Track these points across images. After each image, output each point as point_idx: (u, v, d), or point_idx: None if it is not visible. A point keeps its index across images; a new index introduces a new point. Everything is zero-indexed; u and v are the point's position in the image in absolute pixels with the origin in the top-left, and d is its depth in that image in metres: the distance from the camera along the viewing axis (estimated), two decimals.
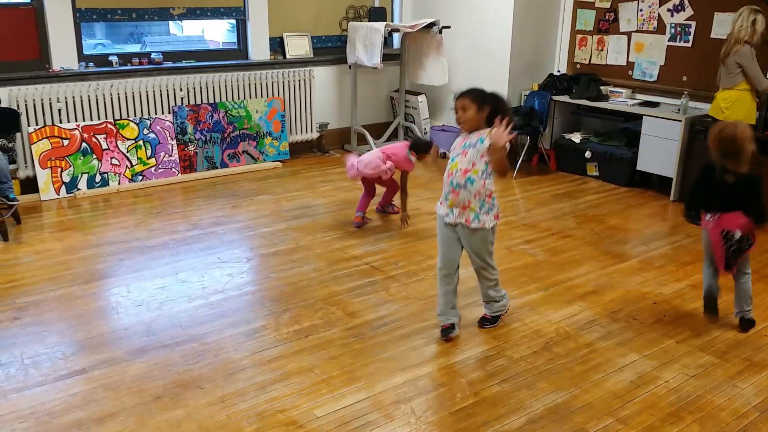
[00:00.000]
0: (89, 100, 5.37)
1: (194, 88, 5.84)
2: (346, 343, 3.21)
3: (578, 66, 6.42)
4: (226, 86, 5.99)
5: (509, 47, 6.19)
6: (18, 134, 4.89)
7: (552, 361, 3.08)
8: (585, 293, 3.76)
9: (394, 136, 7.01)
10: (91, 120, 5.40)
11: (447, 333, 3.23)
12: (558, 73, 6.38)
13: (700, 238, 4.58)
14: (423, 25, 6.20)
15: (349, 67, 6.55)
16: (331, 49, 6.70)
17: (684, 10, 5.61)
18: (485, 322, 3.38)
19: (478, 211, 3.08)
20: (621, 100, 5.86)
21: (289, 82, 6.34)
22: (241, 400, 2.75)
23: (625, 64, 6.09)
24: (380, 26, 6.08)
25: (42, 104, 5.18)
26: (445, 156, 3.37)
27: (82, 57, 5.44)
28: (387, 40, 6.65)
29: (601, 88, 6.04)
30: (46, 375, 2.91)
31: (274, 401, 2.75)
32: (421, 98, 6.84)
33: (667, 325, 3.42)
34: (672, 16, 5.70)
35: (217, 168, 5.97)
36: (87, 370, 2.94)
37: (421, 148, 4.73)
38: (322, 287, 3.79)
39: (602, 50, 6.24)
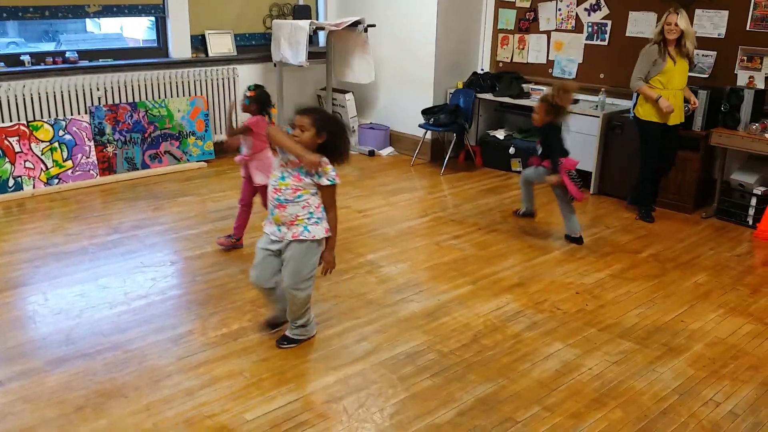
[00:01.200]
0: (0, 101, 5.11)
1: (112, 88, 5.64)
2: (275, 344, 3.17)
3: (501, 64, 6.56)
4: (146, 85, 5.80)
5: (434, 46, 6.25)
6: None
7: (480, 353, 3.13)
8: (511, 285, 3.85)
9: None
10: (3, 122, 5.14)
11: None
12: (482, 72, 6.49)
13: (619, 229, 4.80)
14: (348, 24, 6.19)
15: (275, 65, 6.47)
16: (255, 47, 6.60)
17: (600, 10, 5.81)
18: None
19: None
20: None
21: (212, 80, 6.21)
22: (167, 408, 2.67)
23: (545, 62, 6.26)
24: (305, 24, 6.03)
25: None
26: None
27: None
28: (312, 38, 6.60)
29: (523, 85, 6.18)
30: None
31: (203, 407, 2.69)
32: (349, 96, 6.83)
33: (589, 314, 3.54)
34: (589, 15, 5.89)
35: (138, 169, 5.78)
36: (3, 383, 2.80)
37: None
38: (250, 289, 3.72)
39: (523, 49, 6.39)
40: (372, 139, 6.76)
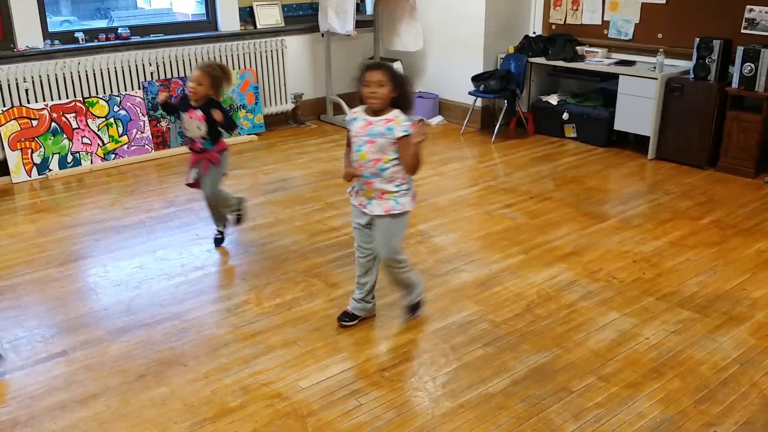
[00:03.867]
0: (56, 78, 5.24)
1: (164, 63, 5.72)
2: (328, 314, 3.20)
3: (553, 27, 6.37)
4: (196, 59, 5.86)
5: (483, 10, 6.11)
6: None
7: (534, 323, 3.10)
8: (565, 255, 3.78)
9: None
10: (60, 99, 5.28)
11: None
12: (533, 35, 6.32)
13: (678, 195, 4.65)
14: None
15: (322, 35, 6.44)
16: (302, 18, 6.57)
17: None
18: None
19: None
20: (597, 60, 5.83)
21: (261, 52, 6.23)
22: (225, 375, 2.74)
23: (600, 23, 6.05)
24: None
25: (8, 85, 5.04)
26: None
27: (47, 35, 5.29)
28: (359, 7, 6.56)
29: (577, 48, 6.00)
30: (27, 358, 2.87)
31: (259, 375, 2.74)
32: (397, 65, 6.75)
33: (647, 283, 3.45)
34: None
35: None
36: (68, 352, 2.91)
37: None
38: (302, 260, 3.77)
39: (577, 10, 6.19)
40: (421, 108, 6.68)
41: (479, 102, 6.24)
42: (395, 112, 2.78)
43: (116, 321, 3.16)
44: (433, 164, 5.40)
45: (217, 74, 3.59)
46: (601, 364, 2.78)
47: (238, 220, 4.04)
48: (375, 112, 2.78)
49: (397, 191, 2.83)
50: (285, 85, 6.46)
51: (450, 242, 3.97)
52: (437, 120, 6.65)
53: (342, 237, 4.04)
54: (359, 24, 6.16)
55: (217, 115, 3.54)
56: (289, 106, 6.57)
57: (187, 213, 4.46)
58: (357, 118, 2.84)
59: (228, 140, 6.04)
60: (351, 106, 6.60)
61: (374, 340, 2.98)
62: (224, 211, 3.94)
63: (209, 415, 2.51)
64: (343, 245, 3.93)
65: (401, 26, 6.43)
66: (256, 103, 6.22)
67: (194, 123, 3.61)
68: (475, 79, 6.07)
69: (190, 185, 3.82)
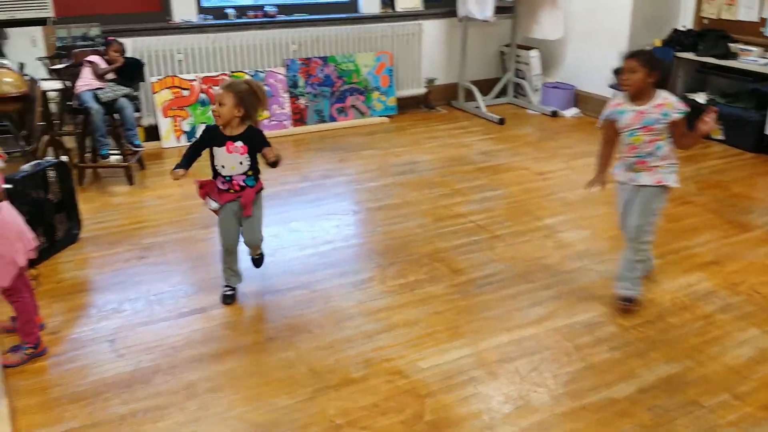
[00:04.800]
0: (207, 51, 5.55)
1: (306, 42, 5.91)
2: (450, 299, 3.23)
3: (705, 21, 5.99)
4: (336, 40, 6.02)
5: None
6: (142, 84, 5.15)
7: (666, 331, 2.97)
8: (704, 263, 3.58)
9: (503, 93, 6.86)
10: (209, 71, 5.60)
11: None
12: (683, 29, 5.98)
13: None
14: None
15: (459, 20, 6.41)
16: (441, 2, 6.57)
17: None
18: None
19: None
20: (752, 59, 5.43)
21: (398, 35, 6.29)
22: (349, 347, 2.84)
23: (757, 19, 5.62)
24: None
25: (163, 55, 5.41)
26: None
27: (200, 9, 5.61)
28: None
29: (730, 45, 5.61)
30: (170, 311, 3.11)
31: (381, 350, 2.82)
32: (534, 53, 6.62)
33: None
34: None
35: (325, 122, 6.06)
36: (207, 309, 3.12)
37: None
38: (427, 243, 3.81)
39: (732, 5, 5.78)
40: (556, 99, 6.52)
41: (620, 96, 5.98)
42: (664, 95, 2.90)
43: (251, 284, 3.34)
44: (565, 157, 5.27)
45: (242, 90, 2.91)
46: (737, 382, 2.63)
47: (259, 261, 3.41)
48: (634, 97, 2.92)
49: (668, 168, 2.97)
50: (419, 69, 6.50)
51: (579, 239, 3.87)
52: (572, 112, 6.46)
53: (468, 224, 4.05)
54: (498, 10, 6.07)
55: (269, 154, 2.98)
56: (422, 90, 6.61)
57: (320, 188, 4.62)
58: (624, 110, 2.95)
59: (361, 120, 6.22)
60: (484, 93, 6.58)
61: (495, 330, 2.98)
62: (254, 254, 3.33)
63: (332, 383, 2.61)
64: (469, 232, 3.94)
65: (542, 13, 6.28)
66: (390, 86, 6.31)
67: (234, 158, 2.97)
68: (618, 71, 5.82)
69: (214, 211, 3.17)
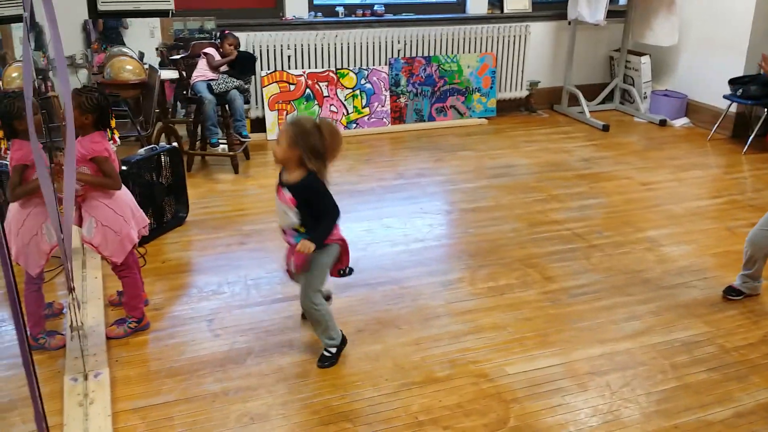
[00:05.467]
0: (315, 48, 5.70)
1: (411, 41, 5.95)
2: (541, 306, 3.18)
3: None
4: (441, 40, 6.03)
5: (754, 7, 5.52)
6: (252, 77, 5.35)
7: None
8: None
9: (609, 99, 6.65)
10: (316, 68, 5.74)
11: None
12: None
13: None
14: None
15: (569, 23, 6.27)
16: (551, 4, 6.45)
17: None
18: None
19: None
20: None
21: (503, 37, 6.22)
22: (434, 346, 2.85)
23: None
24: None
25: (274, 50, 5.60)
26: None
27: (312, 7, 5.77)
28: None
29: None
30: (265, 297, 3.22)
31: (467, 352, 2.81)
32: (645, 59, 6.38)
33: None
34: None
35: (424, 121, 6.08)
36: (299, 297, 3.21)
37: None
38: (519, 248, 3.76)
39: None
40: (665, 108, 6.26)
41: (734, 107, 5.68)
42: None
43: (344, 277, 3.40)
44: (672, 169, 5.05)
45: (303, 130, 2.44)
46: None
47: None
48: None
49: None
50: (522, 71, 6.41)
51: (682, 254, 3.70)
52: (682, 122, 6.18)
53: (563, 231, 3.96)
54: (610, 14, 5.90)
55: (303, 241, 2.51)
56: (524, 93, 6.51)
57: (415, 187, 4.65)
58: None
59: (460, 121, 6.20)
60: (589, 99, 6.40)
61: (587, 341, 2.90)
62: (317, 331, 2.78)
63: (417, 380, 2.63)
64: (564, 240, 3.85)
65: (656, 19, 6.04)
66: (491, 87, 6.25)
67: (283, 208, 2.58)
68: (733, 82, 5.53)
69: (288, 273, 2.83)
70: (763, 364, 2.75)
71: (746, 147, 5.46)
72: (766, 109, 5.55)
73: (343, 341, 2.78)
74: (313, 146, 2.44)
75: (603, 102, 6.64)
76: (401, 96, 5.98)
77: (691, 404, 2.51)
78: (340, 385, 2.60)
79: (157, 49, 5.21)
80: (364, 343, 2.86)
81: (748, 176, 5.01)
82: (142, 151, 3.84)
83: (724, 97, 5.58)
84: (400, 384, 2.61)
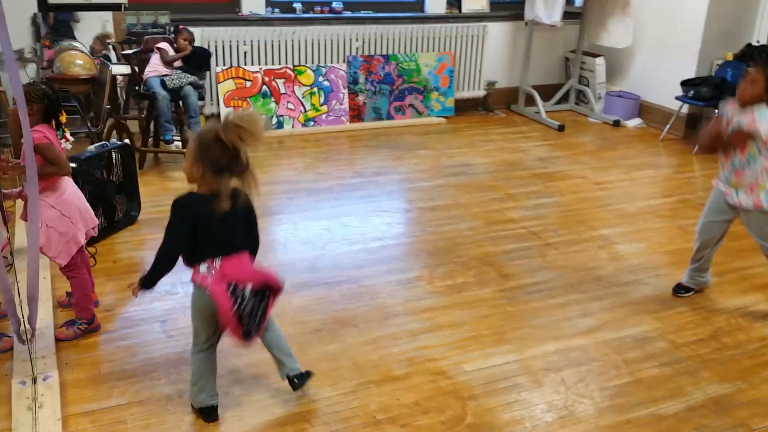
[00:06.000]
0: (272, 44, 5.64)
1: (369, 39, 5.94)
2: (498, 303, 3.20)
3: None
4: (399, 38, 6.03)
5: (706, 10, 5.67)
6: (207, 73, 5.27)
7: (719, 351, 2.88)
8: (764, 285, 3.45)
9: (564, 99, 6.75)
10: (273, 64, 5.68)
11: None
12: (757, 44, 5.77)
13: None
14: None
15: (526, 23, 6.34)
16: (508, 5, 6.51)
17: None
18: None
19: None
20: None
21: (461, 37, 6.26)
22: (393, 344, 2.84)
23: None
24: None
25: (230, 46, 5.52)
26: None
27: (269, 2, 5.71)
28: None
29: None
30: None
31: (424, 350, 2.81)
32: (599, 61, 6.49)
33: None
34: None
35: (383, 119, 6.08)
36: None
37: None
38: (476, 246, 3.79)
39: None
40: (619, 108, 6.38)
41: (685, 108, 5.83)
42: (761, 106, 2.82)
43: (300, 276, 3.38)
44: (625, 168, 5.15)
45: (199, 144, 2.14)
46: None
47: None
48: (743, 105, 2.87)
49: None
50: (480, 71, 6.46)
51: (634, 252, 3.78)
52: (635, 122, 6.31)
53: (519, 230, 4.00)
54: (566, 15, 5.98)
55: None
56: (481, 93, 6.56)
57: (373, 185, 4.64)
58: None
59: (418, 120, 6.22)
60: (545, 99, 6.48)
61: (542, 338, 2.93)
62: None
63: (375, 379, 2.62)
64: (520, 238, 3.89)
65: (611, 20, 6.16)
66: (449, 87, 6.29)
67: None
68: (686, 83, 5.68)
69: None
70: (713, 359, 2.82)
71: (697, 146, 5.60)
72: (716, 111, 5.70)
73: (294, 383, 2.44)
74: (212, 162, 2.11)
75: (559, 102, 6.73)
76: (360, 94, 5.96)
77: (644, 399, 2.56)
78: None
79: (108, 43, 5.08)
80: (322, 343, 2.84)
81: (698, 176, 5.14)
82: (92, 148, 3.74)
83: (676, 98, 5.72)
84: (358, 383, 2.59)
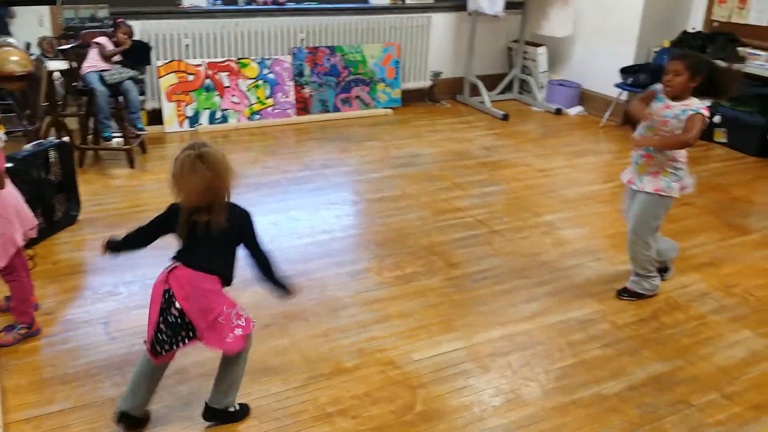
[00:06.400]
0: (215, 37, 5.55)
1: (314, 31, 5.90)
2: (446, 292, 3.24)
3: (715, 24, 5.97)
4: (344, 29, 6.01)
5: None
6: (148, 67, 5.15)
7: (659, 330, 2.98)
8: (700, 264, 3.59)
9: (508, 89, 6.85)
10: (216, 57, 5.60)
11: None
12: (692, 31, 5.96)
13: None
14: None
15: (469, 14, 6.39)
16: None
17: None
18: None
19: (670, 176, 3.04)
20: (759, 64, 5.42)
21: (406, 27, 6.28)
22: (343, 336, 2.85)
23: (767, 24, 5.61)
24: None
25: (171, 39, 5.41)
26: None
27: None
28: None
29: (739, 49, 5.60)
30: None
31: (374, 340, 2.83)
32: (541, 50, 6.60)
33: None
34: None
35: (329, 112, 6.06)
36: None
37: None
38: (425, 236, 3.82)
39: (744, 8, 5.76)
40: (561, 97, 6.51)
41: (624, 95, 5.98)
42: (692, 100, 2.91)
43: (249, 271, 3.34)
44: (567, 155, 5.27)
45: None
46: (727, 382, 2.64)
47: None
48: (673, 98, 2.93)
49: (672, 173, 3.02)
50: (425, 62, 6.49)
51: (577, 237, 3.87)
52: (576, 110, 6.45)
53: (467, 218, 4.05)
54: (508, 5, 6.05)
55: None
56: (427, 83, 6.60)
57: (321, 178, 4.62)
58: (662, 98, 2.99)
59: (365, 111, 6.21)
60: (489, 89, 6.56)
61: (489, 324, 2.99)
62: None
63: (325, 371, 2.63)
64: (467, 226, 3.94)
65: (552, 10, 6.27)
66: (395, 78, 6.30)
67: None
68: (624, 71, 5.82)
69: None
70: (653, 339, 2.92)
71: (635, 133, 5.75)
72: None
73: (205, 413, 2.37)
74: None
75: (503, 92, 6.82)
76: (305, 86, 5.93)
77: (588, 380, 2.63)
78: (245, 382, 2.53)
79: (45, 38, 4.91)
80: (272, 338, 2.83)
81: None
82: (29, 146, 3.63)
83: (615, 85, 5.86)
84: (308, 377, 2.60)
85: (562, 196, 4.46)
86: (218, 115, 5.62)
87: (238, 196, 4.16)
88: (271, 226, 3.84)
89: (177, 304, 2.16)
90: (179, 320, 2.17)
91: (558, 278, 3.40)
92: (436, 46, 6.54)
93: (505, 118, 6.16)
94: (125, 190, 4.32)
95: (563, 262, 3.56)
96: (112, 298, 3.08)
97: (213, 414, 2.35)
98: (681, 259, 3.63)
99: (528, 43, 6.69)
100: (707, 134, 5.70)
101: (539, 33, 6.50)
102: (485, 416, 2.42)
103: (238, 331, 2.23)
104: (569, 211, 4.21)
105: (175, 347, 2.20)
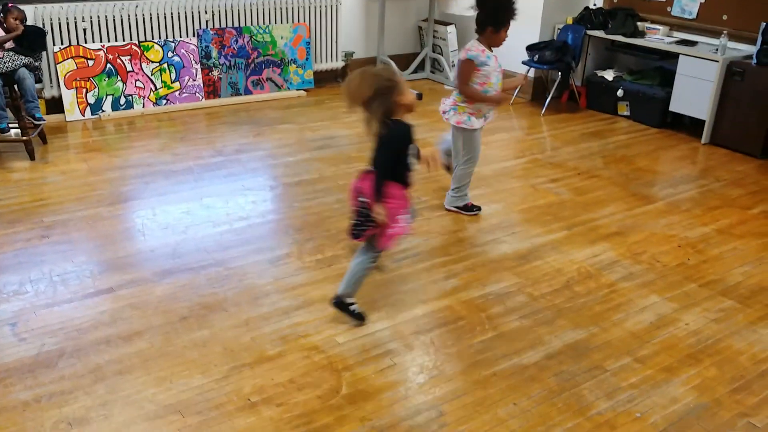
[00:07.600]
0: (114, 20, 5.30)
1: (219, 11, 5.73)
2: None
3: (616, 0, 6.19)
4: (251, 10, 5.86)
5: None
6: (44, 53, 4.86)
7: (572, 299, 3.09)
8: (609, 234, 3.74)
9: (420, 68, 6.88)
10: (116, 41, 5.35)
11: None
12: (594, 7, 6.15)
13: (729, 183, 4.54)
14: None
15: None
16: None
17: None
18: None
19: None
20: (658, 38, 5.67)
21: (315, 8, 6.19)
22: (265, 324, 2.81)
23: None
24: None
25: (67, 23, 5.12)
26: None
27: None
28: None
29: (638, 24, 5.83)
30: (75, 292, 2.98)
31: (297, 326, 2.80)
32: (450, 29, 6.66)
33: (691, 269, 3.40)
34: None
35: (240, 95, 5.91)
36: (114, 290, 3.01)
37: None
38: (344, 219, 3.78)
39: None
40: None
41: (532, 72, 6.13)
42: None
43: (162, 263, 3.24)
44: None
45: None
46: (638, 346, 2.77)
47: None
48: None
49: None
50: (337, 42, 6.43)
51: (492, 213, 3.95)
52: None
53: None
54: None
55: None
56: (339, 64, 6.54)
57: (235, 163, 4.52)
58: (490, 56, 3.75)
59: (277, 93, 6.10)
60: (402, 68, 6.57)
61: (410, 303, 3.01)
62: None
63: (248, 361, 2.58)
64: None
65: None
66: (307, 59, 6.21)
67: None
68: (530, 48, 5.96)
69: None
70: (567, 308, 3.02)
71: (544, 109, 5.93)
72: (560, 73, 6.05)
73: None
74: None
75: (415, 71, 6.85)
76: (214, 69, 5.76)
77: (507, 351, 2.70)
78: (165, 377, 2.48)
79: None
80: (191, 330, 2.76)
81: (547, 136, 5.44)
82: None
83: (523, 62, 5.99)
84: (230, 368, 2.55)
85: (476, 173, 4.50)
86: (122, 101, 5.38)
87: (147, 186, 4.06)
88: (184, 216, 3.73)
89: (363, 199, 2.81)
90: (364, 211, 2.78)
91: (476, 254, 3.46)
92: (347, 25, 6.49)
93: (419, 97, 6.16)
94: (26, 184, 4.08)
95: (480, 238, 3.63)
96: (18, 298, 2.91)
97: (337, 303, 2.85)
98: (591, 230, 3.78)
99: (437, 22, 6.74)
100: (612, 107, 5.93)
101: (448, 12, 6.55)
102: (410, 394, 2.45)
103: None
104: (484, 188, 4.29)
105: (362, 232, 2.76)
